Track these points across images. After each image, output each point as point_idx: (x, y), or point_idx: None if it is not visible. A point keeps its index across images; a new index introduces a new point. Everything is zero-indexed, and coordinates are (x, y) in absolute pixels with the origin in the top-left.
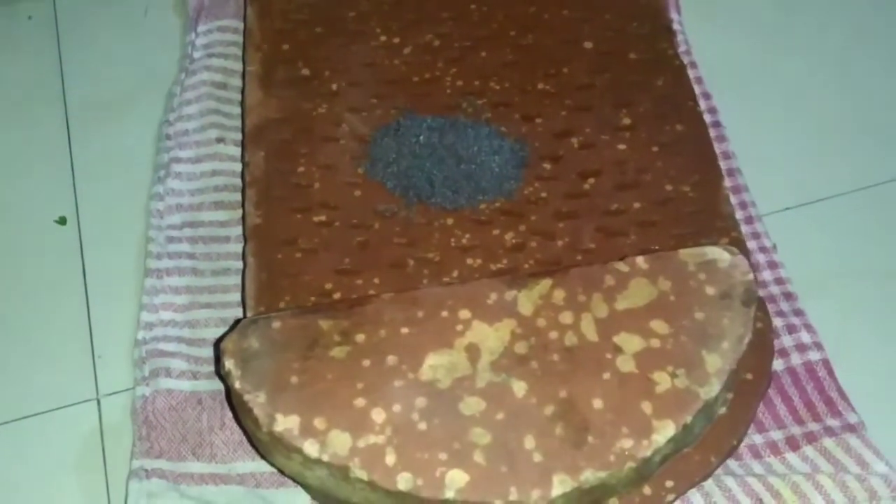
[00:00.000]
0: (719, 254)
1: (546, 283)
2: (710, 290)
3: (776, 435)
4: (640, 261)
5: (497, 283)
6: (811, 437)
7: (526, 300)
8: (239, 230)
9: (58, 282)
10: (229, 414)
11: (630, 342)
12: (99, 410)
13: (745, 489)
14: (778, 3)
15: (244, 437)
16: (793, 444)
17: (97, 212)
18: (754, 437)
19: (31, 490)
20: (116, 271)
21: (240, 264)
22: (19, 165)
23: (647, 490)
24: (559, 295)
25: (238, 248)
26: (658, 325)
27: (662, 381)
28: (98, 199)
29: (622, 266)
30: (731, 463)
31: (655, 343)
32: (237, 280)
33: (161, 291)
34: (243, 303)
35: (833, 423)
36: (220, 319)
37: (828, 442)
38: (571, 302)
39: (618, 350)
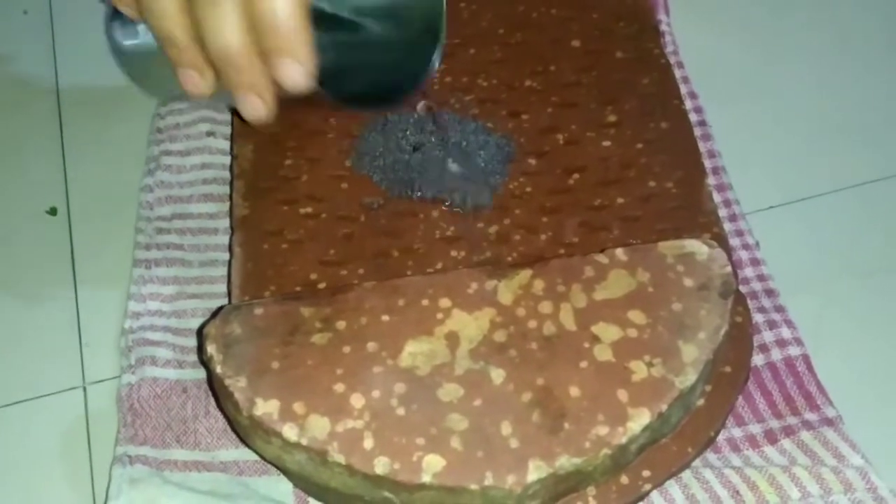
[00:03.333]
0: (698, 247)
1: (526, 273)
2: (688, 282)
3: (755, 428)
4: (620, 253)
5: (478, 273)
6: (789, 431)
7: (506, 290)
8: (227, 222)
9: (47, 271)
10: (213, 402)
11: (608, 332)
12: (85, 398)
13: (722, 481)
14: (767, 6)
15: (228, 426)
16: (771, 437)
17: (87, 203)
18: (733, 431)
19: (16, 475)
20: (105, 261)
21: (227, 256)
22: (11, 157)
23: (624, 479)
24: (539, 285)
25: (226, 239)
26: (636, 316)
27: (639, 370)
28: (89, 190)
29: (602, 258)
30: (710, 455)
31: (633, 333)
32: (224, 271)
33: (149, 281)
34: (229, 292)
35: (811, 417)
36: (206, 310)
37: (805, 435)
38: (551, 292)
39: (595, 339)
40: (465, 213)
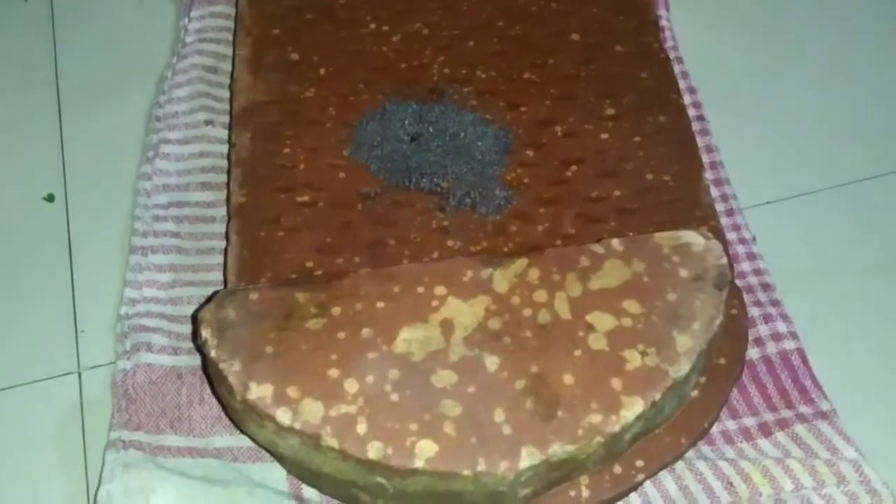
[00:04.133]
0: (694, 238)
1: (522, 262)
2: (683, 273)
3: (749, 421)
4: (615, 242)
5: (473, 262)
6: (783, 424)
7: (501, 278)
8: (224, 211)
9: (44, 257)
10: (208, 389)
11: (602, 321)
12: (80, 383)
13: (715, 472)
14: (767, 4)
15: (222, 413)
16: (765, 430)
17: (85, 190)
18: (728, 423)
19: (10, 459)
20: (102, 248)
21: (224, 244)
22: (10, 143)
23: (617, 469)
24: (534, 274)
25: (223, 228)
26: (630, 305)
27: (633, 359)
28: (86, 177)
29: (597, 247)
30: (704, 448)
31: (627, 322)
32: (221, 259)
33: (145, 269)
34: (225, 279)
35: (805, 410)
36: (203, 297)
37: (799, 428)
38: (546, 281)
39: (590, 328)
40: (464, 208)
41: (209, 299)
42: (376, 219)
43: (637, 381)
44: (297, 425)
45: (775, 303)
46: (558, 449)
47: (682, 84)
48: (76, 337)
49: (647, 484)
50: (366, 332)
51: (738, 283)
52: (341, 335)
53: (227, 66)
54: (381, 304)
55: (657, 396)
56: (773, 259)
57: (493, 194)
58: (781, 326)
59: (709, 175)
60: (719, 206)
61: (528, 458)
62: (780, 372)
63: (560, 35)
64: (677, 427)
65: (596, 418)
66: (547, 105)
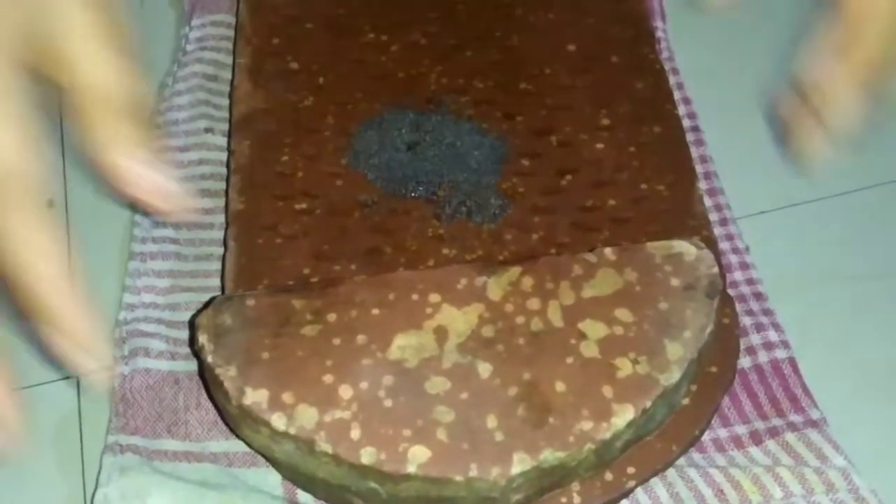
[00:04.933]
0: (686, 247)
1: (515, 270)
2: (674, 282)
3: (740, 429)
4: (608, 252)
5: (468, 269)
6: (774, 432)
7: (495, 286)
8: (223, 218)
9: None
10: (205, 394)
11: (594, 329)
12: (77, 388)
13: (706, 480)
14: (762, 15)
15: (218, 418)
16: (756, 438)
17: (85, 196)
18: (719, 432)
19: (7, 462)
20: (101, 254)
21: (222, 251)
22: None
23: (608, 476)
24: (528, 282)
25: (221, 235)
26: (622, 314)
27: (624, 366)
28: (86, 183)
29: (590, 256)
30: (695, 455)
31: (619, 330)
32: (219, 266)
33: (144, 274)
34: (222, 286)
35: (796, 418)
36: (200, 303)
37: (790, 437)
38: (539, 289)
39: (582, 336)
40: (460, 217)
41: (206, 305)
42: (373, 227)
43: (628, 389)
44: (292, 430)
45: (767, 312)
46: (549, 455)
47: (677, 95)
48: None
49: (639, 491)
50: (361, 338)
51: (731, 292)
52: (336, 341)
53: (228, 75)
54: (376, 311)
55: (648, 404)
56: (766, 269)
57: (489, 203)
58: (773, 335)
59: (703, 185)
60: (713, 216)
61: (519, 464)
62: (772, 381)
63: (557, 46)
64: (668, 435)
65: (587, 425)
66: (542, 115)
